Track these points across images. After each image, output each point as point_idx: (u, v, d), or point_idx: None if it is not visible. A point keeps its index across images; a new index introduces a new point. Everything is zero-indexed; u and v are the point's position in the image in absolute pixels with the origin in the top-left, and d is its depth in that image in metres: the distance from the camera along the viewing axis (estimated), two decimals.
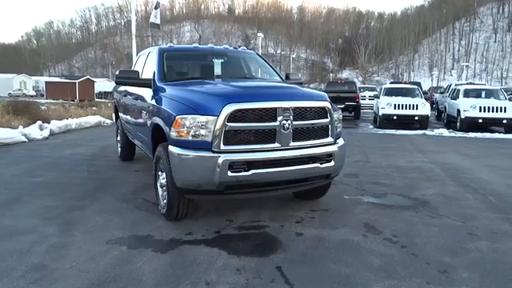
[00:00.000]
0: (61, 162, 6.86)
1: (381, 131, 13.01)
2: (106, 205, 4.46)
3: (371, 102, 20.43)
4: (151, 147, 4.35)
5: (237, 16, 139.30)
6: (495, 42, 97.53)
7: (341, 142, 4.00)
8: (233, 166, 3.33)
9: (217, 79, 4.61)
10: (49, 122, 11.75)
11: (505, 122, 12.29)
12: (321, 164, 3.72)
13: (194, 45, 5.25)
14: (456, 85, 17.26)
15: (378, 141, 10.69)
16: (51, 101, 36.72)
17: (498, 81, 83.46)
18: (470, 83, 19.48)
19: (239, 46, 5.12)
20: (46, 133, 10.52)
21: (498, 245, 3.41)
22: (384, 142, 10.28)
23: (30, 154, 7.72)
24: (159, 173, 4.07)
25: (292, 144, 3.56)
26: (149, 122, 4.28)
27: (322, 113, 3.75)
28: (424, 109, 13.20)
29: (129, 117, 5.63)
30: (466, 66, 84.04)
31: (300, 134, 3.61)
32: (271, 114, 3.44)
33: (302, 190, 4.24)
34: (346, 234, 3.62)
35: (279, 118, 3.46)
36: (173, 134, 3.50)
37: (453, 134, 12.18)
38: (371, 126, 14.97)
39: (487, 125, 12.76)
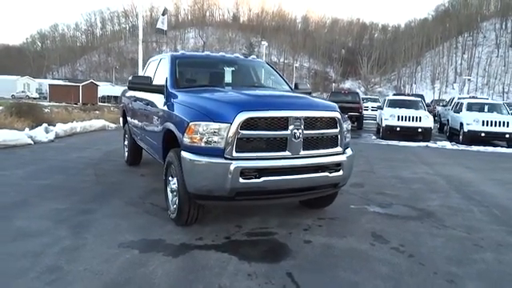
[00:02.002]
0: (67, 166, 6.92)
1: (384, 142, 13.08)
2: (114, 209, 4.52)
3: (374, 112, 20.50)
4: (161, 152, 4.41)
5: (241, 24, 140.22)
6: (497, 56, 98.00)
7: (349, 151, 4.06)
8: (244, 172, 3.39)
9: (228, 87, 4.70)
10: (54, 125, 11.84)
11: (507, 136, 12.37)
12: (330, 173, 3.78)
13: (205, 53, 5.35)
14: (459, 98, 17.37)
15: (382, 151, 10.75)
16: (54, 104, 36.89)
17: (499, 95, 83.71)
18: (473, 97, 19.61)
19: (249, 55, 5.19)
20: (51, 135, 10.59)
21: (503, 256, 3.46)
22: (387, 153, 10.34)
23: (37, 156, 7.78)
24: (170, 178, 4.14)
25: (302, 153, 3.62)
26: (160, 128, 4.35)
27: (332, 123, 3.82)
28: (427, 121, 13.28)
29: (138, 121, 5.70)
30: (468, 80, 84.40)
31: (310, 143, 3.67)
32: (283, 123, 3.51)
33: (310, 199, 4.30)
34: (353, 242, 3.67)
35: (290, 127, 3.53)
36: (186, 140, 3.57)
37: (455, 147, 12.25)
38: (374, 137, 15.03)
39: (489, 139, 12.83)
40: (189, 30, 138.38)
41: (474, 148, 12.05)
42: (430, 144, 12.65)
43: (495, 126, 12.44)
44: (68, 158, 7.67)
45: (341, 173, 3.88)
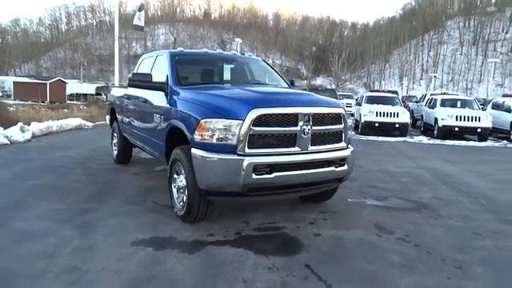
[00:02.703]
0: (54, 165, 6.74)
1: (363, 137, 13.40)
2: (116, 208, 4.46)
3: (349, 109, 20.91)
4: (164, 150, 4.40)
5: (213, 20, 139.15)
6: (461, 54, 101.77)
7: (351, 147, 4.19)
8: (257, 168, 3.44)
9: (229, 84, 4.73)
10: (28, 124, 11.46)
11: (479, 130, 12.96)
12: (336, 168, 3.90)
13: (203, 50, 5.34)
14: (431, 94, 18.00)
15: (363, 147, 10.99)
16: (19, 102, 35.47)
17: (463, 91, 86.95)
18: (444, 93, 20.37)
19: (245, 52, 5.17)
20: (28, 135, 10.24)
21: (501, 243, 3.68)
22: (369, 148, 10.61)
23: (18, 156, 7.52)
24: (175, 175, 4.13)
25: (310, 148, 3.71)
26: (163, 125, 4.33)
27: (337, 119, 3.93)
28: (404, 116, 13.71)
29: (133, 120, 5.63)
30: (434, 77, 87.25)
31: (318, 139, 3.77)
32: (293, 119, 3.59)
33: (311, 193, 4.39)
34: (360, 234, 3.80)
35: (300, 123, 3.61)
36: (196, 137, 3.58)
37: (432, 142, 12.73)
38: (353, 133, 15.33)
39: (462, 133, 13.40)
40: (159, 26, 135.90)
41: (449, 142, 12.56)
42: (407, 139, 13.08)
43: (468, 120, 13.01)
44: (53, 158, 7.46)
45: (345, 167, 4.00)
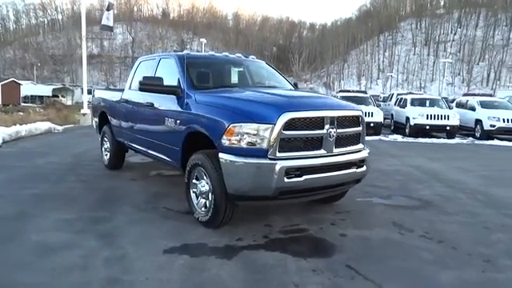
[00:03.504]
0: (42, 172, 6.43)
1: None
2: (129, 215, 4.33)
3: None
4: (180, 155, 4.33)
5: (172, 20, 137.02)
6: (414, 54, 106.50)
7: (367, 148, 4.31)
8: (288, 172, 3.47)
9: (243, 87, 4.73)
10: None
11: (448, 128, 13.67)
12: (356, 169, 4.01)
13: (210, 53, 5.28)
14: (398, 94, 18.74)
15: None
16: None
17: (417, 90, 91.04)
18: (410, 93, 21.27)
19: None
20: None
21: None
22: None
23: None
24: (194, 180, 4.09)
25: (335, 150, 3.79)
26: (179, 130, 4.26)
27: (356, 121, 4.05)
28: (378, 116, 14.19)
29: (134, 124, 5.48)
30: (390, 76, 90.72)
31: (341, 141, 3.86)
32: (320, 123, 3.66)
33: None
34: (383, 233, 3.93)
35: (326, 126, 3.68)
36: (224, 142, 3.56)
37: (405, 140, 13.28)
38: None
39: (432, 131, 14.07)
40: (116, 25, 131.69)
41: (421, 140, 13.16)
42: (382, 137, 13.56)
43: (438, 119, 13.69)
44: (36, 165, 7.11)
45: (364, 168, 4.12)
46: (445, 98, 22.11)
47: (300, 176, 3.54)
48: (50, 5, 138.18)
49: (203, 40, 41.41)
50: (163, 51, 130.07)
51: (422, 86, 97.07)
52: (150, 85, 4.48)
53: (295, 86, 5.48)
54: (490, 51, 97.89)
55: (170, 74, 4.69)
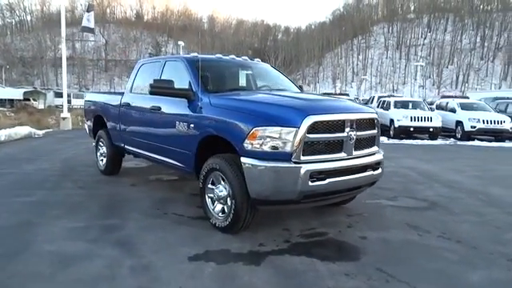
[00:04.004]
0: (34, 179, 6.18)
1: None
2: (139, 222, 4.20)
3: None
4: (193, 159, 4.24)
5: (146, 22, 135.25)
6: (387, 58, 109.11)
7: (381, 151, 4.35)
8: (312, 175, 3.45)
9: (255, 90, 4.70)
10: None
11: (431, 130, 14.04)
12: (373, 171, 4.03)
13: (217, 55, 5.21)
14: (380, 97, 19.12)
15: None
16: None
17: (390, 92, 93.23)
18: (391, 95, 21.73)
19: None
20: None
21: None
22: None
23: None
24: (209, 185, 4.01)
25: (354, 153, 3.80)
26: (192, 134, 4.17)
27: (372, 124, 4.07)
28: None
29: (137, 128, 5.34)
30: (365, 79, 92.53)
31: (359, 144, 3.87)
32: (340, 126, 3.66)
33: None
34: (401, 234, 3.96)
35: (347, 129, 3.69)
36: (247, 146, 3.51)
37: (391, 141, 13.53)
38: None
39: (416, 133, 14.41)
40: None
41: (406, 141, 13.45)
42: None
43: (421, 121, 14.03)
44: (26, 171, 6.83)
45: (380, 171, 4.15)
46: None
47: (324, 179, 3.52)
48: (18, 5, 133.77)
49: (181, 43, 41.09)
50: (138, 54, 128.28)
51: (395, 88, 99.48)
52: (161, 88, 4.37)
53: (300, 88, 5.48)
54: (459, 55, 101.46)
55: (179, 77, 4.58)
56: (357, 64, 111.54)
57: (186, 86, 4.44)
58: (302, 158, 3.44)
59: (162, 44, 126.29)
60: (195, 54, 4.94)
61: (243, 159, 3.53)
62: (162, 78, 4.96)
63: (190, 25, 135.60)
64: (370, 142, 4.07)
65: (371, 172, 4.00)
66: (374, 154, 4.11)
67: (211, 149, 4.09)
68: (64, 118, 15.86)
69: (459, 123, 14.72)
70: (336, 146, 3.66)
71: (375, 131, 4.10)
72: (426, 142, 13.68)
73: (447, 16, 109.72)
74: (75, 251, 3.41)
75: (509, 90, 56.49)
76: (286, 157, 3.42)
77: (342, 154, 3.71)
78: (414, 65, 57.36)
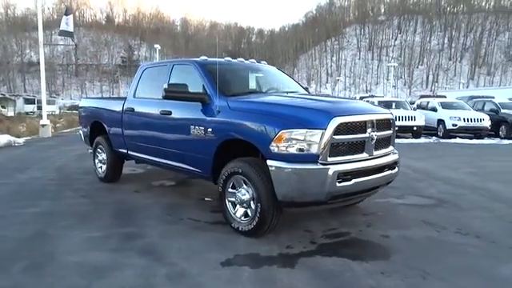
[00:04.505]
0: (32, 189, 5.98)
1: None
2: (158, 230, 4.13)
3: None
4: (211, 164, 4.21)
5: (117, 25, 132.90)
6: (359, 59, 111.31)
7: (396, 150, 4.44)
8: (339, 176, 3.49)
9: (273, 93, 4.76)
10: None
11: (415, 128, 14.42)
12: (391, 170, 4.11)
13: (226, 59, 5.17)
14: (361, 97, 19.46)
15: None
16: None
17: (364, 93, 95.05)
18: (372, 96, 22.11)
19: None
20: None
21: None
22: None
23: None
24: (229, 189, 3.99)
25: (374, 153, 3.87)
26: (211, 138, 4.13)
27: (389, 124, 4.16)
28: None
29: (146, 134, 5.23)
30: (339, 80, 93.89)
31: (378, 144, 3.94)
32: (363, 127, 3.72)
33: None
34: (421, 232, 4.05)
35: (368, 130, 3.75)
36: (273, 149, 3.51)
37: None
38: None
39: (400, 131, 14.75)
40: (56, 30, 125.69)
41: None
42: None
43: (406, 120, 14.38)
44: (20, 181, 6.60)
45: (396, 170, 4.24)
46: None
47: (349, 180, 3.57)
48: None
49: (157, 46, 40.48)
50: (110, 58, 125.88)
51: (368, 89, 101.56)
52: (176, 92, 4.31)
53: (306, 90, 5.52)
54: (428, 55, 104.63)
55: (190, 81, 4.52)
56: (330, 65, 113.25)
57: (199, 90, 4.41)
58: (329, 159, 3.48)
59: (134, 47, 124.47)
60: (204, 58, 4.90)
61: (270, 162, 3.53)
62: (171, 82, 4.90)
63: (163, 28, 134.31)
64: (387, 141, 4.15)
65: (389, 171, 4.07)
66: (390, 153, 4.19)
67: (229, 153, 4.07)
68: (43, 125, 15.39)
69: (441, 122, 15.18)
70: (358, 147, 3.72)
71: (391, 131, 4.18)
72: (410, 140, 14.06)
73: (416, 18, 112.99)
74: (102, 261, 3.32)
75: (480, 88, 58.59)
76: (313, 158, 3.44)
77: (364, 155, 3.76)
78: (388, 65, 58.84)
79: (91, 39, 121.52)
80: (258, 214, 3.69)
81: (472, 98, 19.59)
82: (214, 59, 4.83)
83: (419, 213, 4.72)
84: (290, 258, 3.38)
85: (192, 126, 4.38)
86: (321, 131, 3.42)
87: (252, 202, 3.79)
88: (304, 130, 3.43)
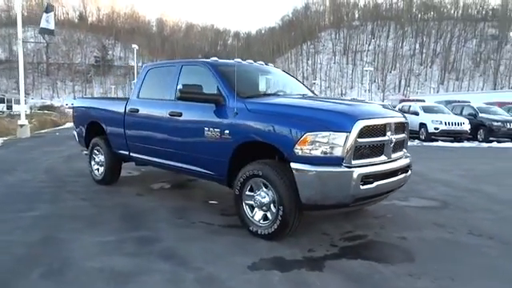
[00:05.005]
0: (24, 192, 5.74)
1: None
2: (172, 233, 4.03)
3: None
4: (226, 166, 4.15)
5: (91, 24, 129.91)
6: (335, 63, 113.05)
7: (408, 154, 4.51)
8: (363, 179, 3.51)
9: (287, 95, 4.75)
10: None
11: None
12: (405, 174, 4.17)
13: (235, 60, 5.11)
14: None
15: None
16: None
17: (339, 96, 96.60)
18: (353, 99, 22.53)
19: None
20: None
21: None
22: None
23: None
24: (247, 192, 3.94)
25: (392, 156, 3.92)
26: (227, 140, 4.07)
27: (404, 128, 4.22)
28: None
29: (152, 135, 5.10)
30: (314, 84, 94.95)
31: (395, 147, 3.99)
32: (383, 130, 3.76)
33: None
34: (434, 233, 4.12)
35: (388, 133, 3.80)
36: (297, 151, 3.49)
37: None
38: None
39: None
40: (27, 28, 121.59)
41: None
42: None
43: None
44: (9, 183, 6.35)
45: (409, 173, 4.30)
46: None
47: (371, 183, 3.59)
48: None
49: (135, 46, 39.83)
50: (83, 57, 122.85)
51: (343, 92, 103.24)
52: (191, 93, 4.24)
53: (313, 92, 5.54)
54: (401, 60, 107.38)
55: (202, 82, 4.43)
56: (306, 69, 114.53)
57: (213, 91, 4.35)
58: (354, 161, 3.49)
59: (108, 47, 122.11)
60: (215, 59, 4.84)
61: (294, 165, 3.51)
62: (180, 82, 4.82)
63: (139, 28, 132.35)
64: (402, 145, 4.21)
65: (403, 175, 4.13)
66: (405, 157, 4.25)
67: (246, 155, 4.03)
68: (22, 126, 14.83)
69: (423, 125, 15.59)
70: (378, 150, 3.76)
71: (405, 135, 4.24)
72: None
73: (389, 24, 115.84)
74: (123, 266, 3.21)
75: (450, 93, 60.54)
76: (337, 161, 3.45)
77: (383, 158, 3.80)
78: (364, 70, 60.02)
79: (63, 38, 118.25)
80: (279, 217, 3.66)
81: (449, 102, 20.21)
82: (226, 61, 4.78)
83: (427, 215, 4.81)
84: (315, 261, 3.37)
85: (206, 128, 4.30)
86: (345, 134, 3.43)
87: (272, 205, 3.76)
88: (329, 133, 3.44)
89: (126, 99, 5.71)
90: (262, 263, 3.31)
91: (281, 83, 5.25)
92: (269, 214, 3.81)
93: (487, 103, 20.22)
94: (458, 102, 20.25)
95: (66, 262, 3.28)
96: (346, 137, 3.43)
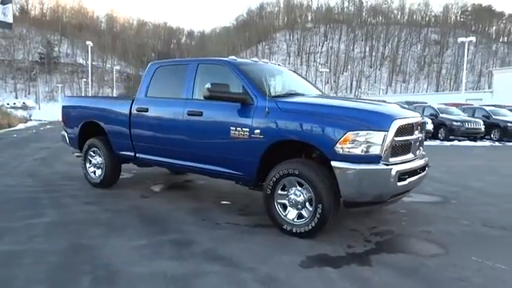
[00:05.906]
0: (18, 198, 5.37)
1: None
2: (204, 235, 3.94)
3: None
4: (257, 166, 4.14)
5: (34, 18, 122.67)
6: (289, 63, 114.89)
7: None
8: (399, 175, 3.66)
9: (306, 94, 4.80)
10: None
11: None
12: (425, 171, 4.38)
13: (252, 59, 5.09)
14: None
15: None
16: None
17: None
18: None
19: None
20: None
21: None
22: None
23: None
24: (279, 191, 3.97)
25: (416, 154, 4.11)
26: (258, 140, 4.05)
27: (423, 127, 4.43)
28: None
29: (168, 136, 4.95)
30: None
31: (418, 146, 4.19)
32: (411, 129, 3.94)
33: None
34: (454, 226, 4.37)
35: (415, 132, 3.99)
36: (338, 150, 3.58)
37: None
38: None
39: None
40: None
41: None
42: None
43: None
44: None
45: (426, 171, 4.52)
46: None
47: (405, 179, 3.76)
48: None
49: (89, 43, 38.16)
50: (26, 53, 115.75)
51: None
52: (219, 92, 4.18)
53: (322, 92, 5.66)
54: (352, 62, 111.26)
55: (224, 81, 4.39)
56: None
57: (238, 90, 4.32)
58: (391, 159, 3.63)
59: (54, 43, 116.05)
60: (233, 57, 4.81)
61: (335, 163, 3.59)
62: (198, 81, 4.75)
63: (87, 24, 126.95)
64: (422, 143, 4.42)
65: (424, 172, 4.34)
66: (424, 155, 4.47)
67: (278, 154, 4.06)
68: None
69: None
70: (407, 148, 3.93)
71: (423, 134, 4.46)
72: None
73: (341, 27, 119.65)
74: (173, 270, 3.13)
75: (397, 94, 63.44)
76: (376, 159, 3.57)
77: (411, 155, 3.98)
78: (319, 71, 61.65)
79: (2, 32, 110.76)
80: (317, 215, 3.72)
81: (410, 103, 21.24)
82: (245, 60, 4.76)
83: (435, 209, 5.08)
84: (359, 256, 3.46)
85: (232, 128, 4.26)
86: (384, 133, 3.56)
87: (308, 203, 3.81)
88: (369, 132, 3.55)
89: (132, 98, 5.51)
90: (311, 261, 3.35)
91: (294, 83, 5.30)
92: (304, 212, 3.86)
93: (445, 104, 21.48)
94: (418, 102, 21.35)
95: (109, 268, 3.14)
96: (385, 135, 3.56)
